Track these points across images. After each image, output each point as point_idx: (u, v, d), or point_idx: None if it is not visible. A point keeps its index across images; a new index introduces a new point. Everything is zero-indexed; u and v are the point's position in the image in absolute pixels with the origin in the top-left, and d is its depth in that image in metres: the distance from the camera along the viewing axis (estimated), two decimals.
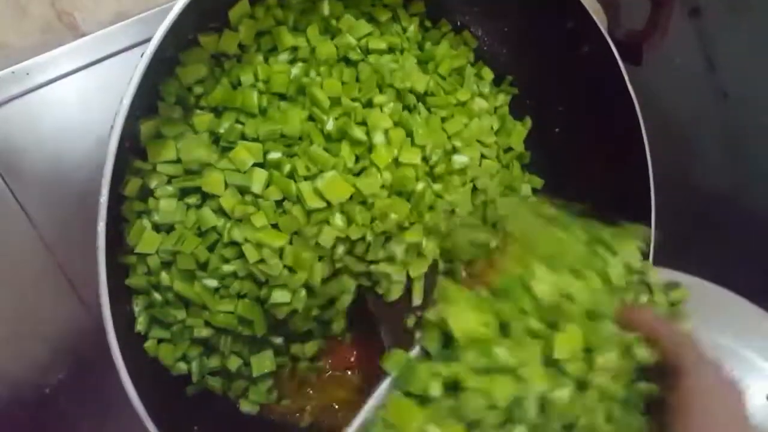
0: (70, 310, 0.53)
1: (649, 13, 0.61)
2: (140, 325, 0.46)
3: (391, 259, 0.50)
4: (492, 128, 0.59)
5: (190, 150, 0.45)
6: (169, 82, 0.46)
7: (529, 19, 0.58)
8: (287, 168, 0.46)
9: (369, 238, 0.48)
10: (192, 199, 0.46)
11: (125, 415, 0.46)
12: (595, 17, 0.53)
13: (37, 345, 0.53)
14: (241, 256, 0.45)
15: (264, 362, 0.49)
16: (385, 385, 0.39)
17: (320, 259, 0.47)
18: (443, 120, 0.54)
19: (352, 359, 0.55)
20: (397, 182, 0.49)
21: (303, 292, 0.47)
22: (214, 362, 0.48)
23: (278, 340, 0.50)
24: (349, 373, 0.55)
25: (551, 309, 0.38)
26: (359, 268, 0.49)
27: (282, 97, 0.49)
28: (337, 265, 0.48)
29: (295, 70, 0.49)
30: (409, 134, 0.50)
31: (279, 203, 0.46)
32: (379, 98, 0.50)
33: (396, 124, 0.50)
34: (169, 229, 0.46)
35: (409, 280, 0.51)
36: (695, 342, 0.37)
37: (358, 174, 0.48)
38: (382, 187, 0.48)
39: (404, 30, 0.56)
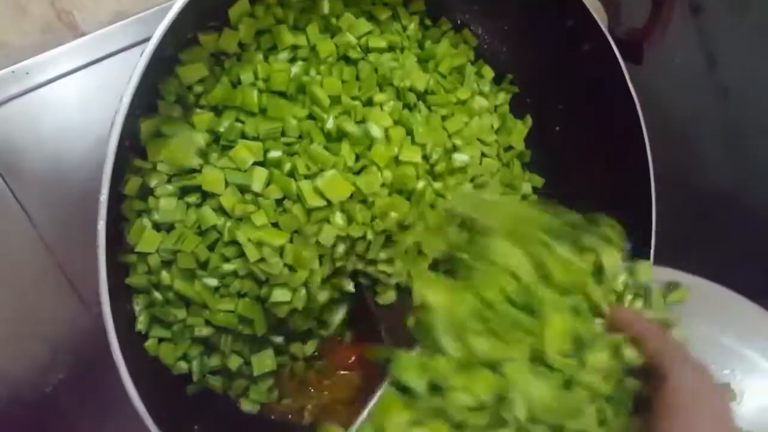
0: (70, 310, 0.53)
1: (649, 11, 0.61)
2: (141, 324, 0.45)
3: (390, 261, 0.50)
4: (492, 127, 0.59)
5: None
6: (169, 80, 0.46)
7: (530, 18, 0.58)
8: (287, 167, 0.46)
9: (369, 236, 0.48)
10: (192, 198, 0.46)
11: (125, 415, 0.46)
12: (595, 15, 0.53)
13: (38, 345, 0.53)
14: (242, 254, 0.45)
15: (264, 361, 0.49)
16: (386, 385, 0.39)
17: (321, 258, 0.47)
18: (443, 118, 0.54)
19: (353, 358, 0.55)
20: (398, 181, 0.48)
21: (303, 291, 0.47)
22: (214, 361, 0.48)
23: (278, 339, 0.50)
24: (350, 372, 0.55)
25: (528, 293, 0.37)
26: (359, 266, 0.49)
27: (282, 95, 0.49)
28: (338, 264, 0.48)
29: (295, 68, 0.49)
30: (410, 133, 0.50)
31: (279, 202, 0.46)
32: (379, 96, 0.50)
33: (396, 122, 0.50)
34: (170, 228, 0.46)
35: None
36: (680, 343, 0.37)
37: (358, 173, 0.48)
38: (383, 185, 0.48)
39: (404, 28, 0.56)
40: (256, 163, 0.46)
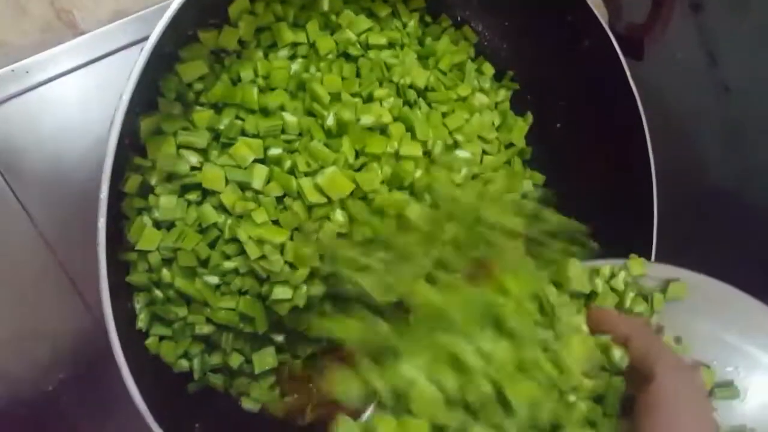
0: (71, 309, 0.53)
1: (650, 7, 0.61)
2: (141, 323, 0.45)
3: None
4: (493, 124, 0.59)
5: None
6: (169, 78, 0.46)
7: (530, 14, 0.58)
8: (288, 164, 0.46)
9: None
10: (192, 196, 0.46)
11: (126, 415, 0.46)
12: (595, 11, 0.53)
13: (38, 344, 0.53)
14: (242, 252, 0.45)
15: (266, 359, 0.48)
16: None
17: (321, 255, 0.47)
18: (444, 115, 0.54)
19: (355, 357, 0.55)
20: (397, 177, 0.48)
21: (304, 289, 0.46)
22: (215, 359, 0.48)
23: (280, 338, 0.50)
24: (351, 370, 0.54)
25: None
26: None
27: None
28: None
29: (295, 65, 0.50)
30: (410, 129, 0.50)
31: (280, 199, 0.46)
32: (379, 92, 0.50)
33: (396, 118, 0.50)
34: (170, 225, 0.45)
35: None
36: (665, 343, 0.37)
37: (359, 170, 0.48)
38: (383, 182, 0.48)
39: (404, 25, 0.56)
40: (256, 161, 0.46)
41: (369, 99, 0.50)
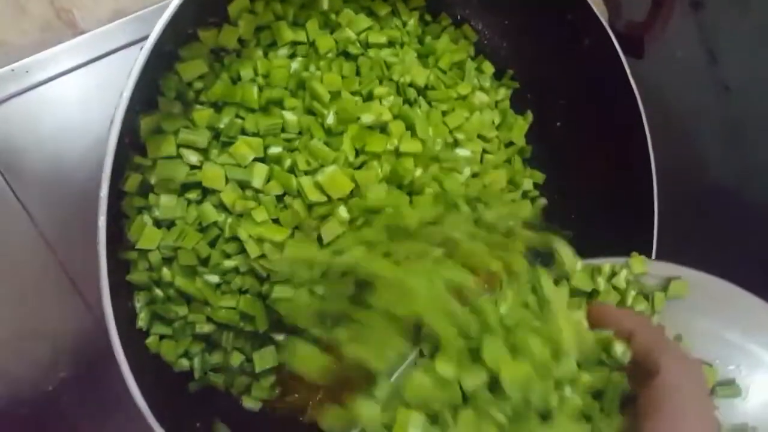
0: (71, 309, 0.52)
1: (650, 4, 0.61)
2: (142, 322, 0.45)
3: None
4: (493, 122, 0.59)
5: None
6: (169, 77, 0.46)
7: (530, 13, 0.58)
8: (288, 162, 0.46)
9: None
10: (192, 195, 0.46)
11: (126, 415, 0.46)
12: (595, 9, 0.53)
13: (38, 344, 0.53)
14: (243, 251, 0.45)
15: (266, 358, 0.48)
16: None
17: None
18: (444, 114, 0.54)
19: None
20: (396, 175, 0.48)
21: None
22: (216, 358, 0.48)
23: (280, 336, 0.50)
24: (354, 368, 0.54)
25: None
26: None
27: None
28: None
29: (295, 64, 0.49)
30: (410, 127, 0.50)
31: (280, 198, 0.46)
32: (379, 90, 0.50)
33: (396, 116, 0.50)
34: (170, 224, 0.45)
35: None
36: (668, 338, 0.37)
37: (359, 168, 0.48)
38: (381, 180, 0.48)
39: (404, 24, 0.56)
40: (256, 159, 0.46)
41: (369, 97, 0.50)
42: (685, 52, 0.74)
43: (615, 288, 0.45)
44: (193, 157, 0.45)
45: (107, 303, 0.38)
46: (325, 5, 0.51)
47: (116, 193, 0.42)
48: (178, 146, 0.45)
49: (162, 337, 0.47)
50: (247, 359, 0.49)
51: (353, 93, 0.50)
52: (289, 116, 0.47)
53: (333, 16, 0.52)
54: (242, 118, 0.47)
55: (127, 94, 0.38)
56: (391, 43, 0.54)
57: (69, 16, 0.55)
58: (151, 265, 0.45)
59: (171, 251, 0.45)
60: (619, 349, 0.37)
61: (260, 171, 0.45)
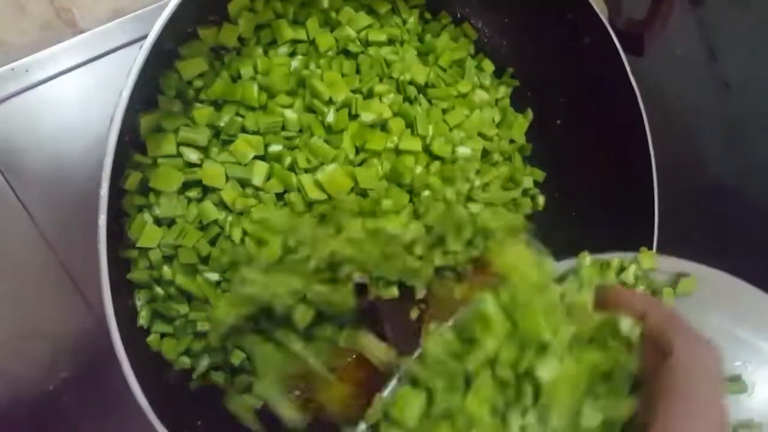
0: (71, 309, 0.52)
1: (649, 2, 0.61)
2: (142, 320, 0.45)
3: None
4: (493, 120, 0.59)
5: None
6: (169, 75, 0.46)
7: (530, 11, 0.58)
8: (288, 160, 0.46)
9: None
10: (193, 193, 0.46)
11: (127, 414, 0.46)
12: (595, 7, 0.53)
13: (39, 343, 0.53)
14: None
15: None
16: (395, 380, 0.39)
17: None
18: (444, 112, 0.54)
19: (355, 355, 0.55)
20: (396, 173, 0.48)
21: None
22: (216, 357, 0.48)
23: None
24: (355, 367, 0.54)
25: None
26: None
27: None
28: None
29: (295, 62, 0.49)
30: (410, 125, 0.50)
31: (280, 196, 0.46)
32: (379, 88, 0.50)
33: (396, 114, 0.50)
34: (171, 223, 0.45)
35: None
36: (683, 319, 0.36)
37: (359, 165, 0.48)
38: (382, 178, 0.48)
39: (404, 22, 0.56)
40: (256, 157, 0.46)
41: (369, 95, 0.50)
42: (685, 49, 0.74)
43: (624, 284, 0.45)
44: (194, 156, 0.45)
45: (108, 301, 0.38)
46: (325, 3, 0.51)
47: (116, 192, 0.42)
48: (179, 144, 0.45)
49: (163, 335, 0.47)
50: (248, 358, 0.48)
51: (353, 91, 0.49)
52: (290, 114, 0.47)
53: (333, 14, 0.52)
54: (242, 116, 0.47)
55: (126, 92, 0.38)
56: (391, 41, 0.54)
57: (69, 15, 0.55)
58: (152, 263, 0.45)
59: (171, 249, 0.45)
60: (625, 324, 0.36)
61: (260, 169, 0.45)
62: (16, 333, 0.52)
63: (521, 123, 0.61)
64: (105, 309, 0.39)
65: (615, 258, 0.45)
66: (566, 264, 0.44)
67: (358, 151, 0.48)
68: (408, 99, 0.52)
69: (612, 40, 0.54)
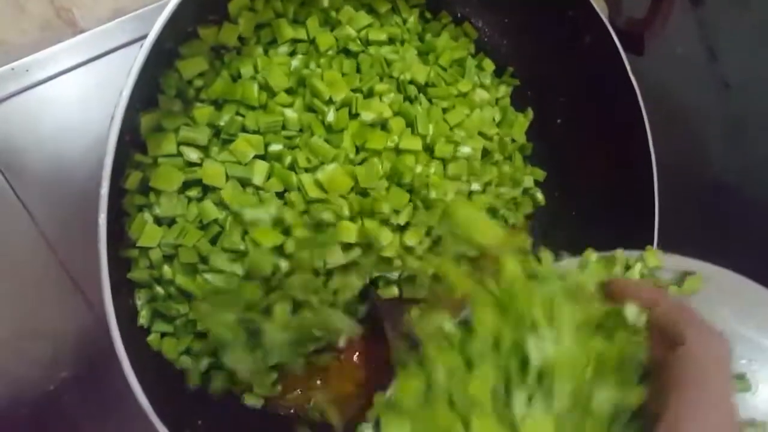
0: (72, 308, 0.52)
1: (650, 1, 0.61)
2: (143, 319, 0.45)
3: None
4: (494, 119, 0.59)
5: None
6: (169, 74, 0.46)
7: (530, 11, 0.58)
8: (288, 160, 0.46)
9: None
10: (193, 192, 0.46)
11: (127, 414, 0.46)
12: (596, 6, 0.53)
13: (39, 343, 0.53)
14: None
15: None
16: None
17: None
18: (444, 111, 0.54)
19: (358, 353, 0.55)
20: (396, 172, 0.48)
21: None
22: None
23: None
24: (355, 366, 0.54)
25: None
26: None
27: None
28: None
29: (295, 62, 0.49)
30: (410, 124, 0.50)
31: (280, 195, 0.46)
32: (379, 87, 0.50)
33: (396, 113, 0.50)
34: (171, 222, 0.45)
35: None
36: (694, 310, 0.36)
37: (360, 164, 0.48)
38: (382, 177, 0.48)
39: (404, 21, 0.56)
40: (256, 157, 0.46)
41: (369, 94, 0.50)
42: (686, 48, 0.74)
43: None
44: (194, 155, 0.45)
45: (108, 301, 0.38)
46: (326, 2, 0.51)
47: (117, 191, 0.42)
48: (179, 144, 0.45)
49: (163, 334, 0.47)
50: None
51: (354, 90, 0.49)
52: (290, 113, 0.47)
53: (333, 14, 0.52)
54: (243, 116, 0.47)
55: (127, 92, 0.38)
56: (391, 41, 0.54)
57: (69, 15, 0.55)
58: (152, 262, 0.45)
59: (172, 249, 0.45)
60: (631, 311, 0.35)
61: (261, 168, 0.45)
62: (16, 333, 0.52)
63: (521, 122, 0.61)
64: (105, 308, 0.38)
65: (620, 255, 0.45)
66: (567, 263, 0.44)
67: (358, 150, 0.48)
68: (408, 98, 0.52)
69: (612, 39, 0.54)
